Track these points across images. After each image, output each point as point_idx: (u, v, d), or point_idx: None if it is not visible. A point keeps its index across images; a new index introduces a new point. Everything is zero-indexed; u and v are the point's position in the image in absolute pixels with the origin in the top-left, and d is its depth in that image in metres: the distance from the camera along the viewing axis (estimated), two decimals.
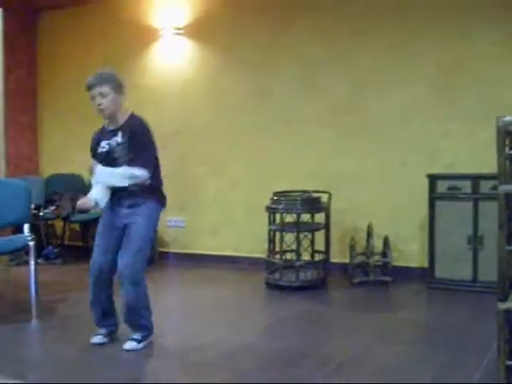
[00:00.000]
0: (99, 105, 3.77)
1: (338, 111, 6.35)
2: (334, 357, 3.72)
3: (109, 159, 3.86)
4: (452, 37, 5.86)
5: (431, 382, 3.33)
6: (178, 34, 7.08)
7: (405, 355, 3.79)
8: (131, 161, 3.79)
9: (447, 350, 3.84)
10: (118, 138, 3.84)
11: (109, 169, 3.84)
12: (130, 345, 3.86)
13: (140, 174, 3.79)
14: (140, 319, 3.92)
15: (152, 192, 3.94)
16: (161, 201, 4.05)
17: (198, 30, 7.01)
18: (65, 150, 7.84)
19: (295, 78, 6.55)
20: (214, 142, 7.02)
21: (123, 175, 3.79)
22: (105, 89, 3.76)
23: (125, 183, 3.80)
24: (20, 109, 7.88)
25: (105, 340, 3.99)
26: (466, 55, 5.82)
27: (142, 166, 3.80)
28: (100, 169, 3.84)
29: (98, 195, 3.89)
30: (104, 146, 3.89)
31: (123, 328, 4.04)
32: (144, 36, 7.29)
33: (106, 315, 4.03)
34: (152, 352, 3.85)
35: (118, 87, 3.83)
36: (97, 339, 3.98)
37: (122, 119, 3.90)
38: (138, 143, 3.82)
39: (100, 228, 4.01)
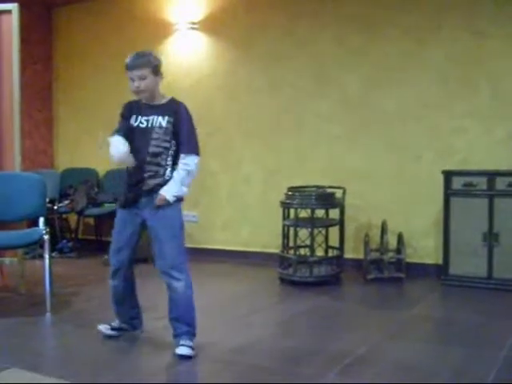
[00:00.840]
0: (137, 87, 3.68)
1: (351, 107, 6.33)
2: (348, 353, 3.70)
3: (143, 137, 3.71)
4: (465, 32, 5.82)
5: (446, 380, 3.30)
6: (193, 28, 7.09)
7: (419, 352, 3.77)
8: (179, 145, 3.73)
9: (462, 347, 3.82)
10: (162, 121, 3.72)
11: (171, 184, 3.71)
12: (183, 350, 3.65)
13: (191, 161, 3.76)
14: None
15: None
16: None
17: (213, 25, 7.01)
18: (79, 145, 7.87)
19: (309, 73, 6.53)
20: (228, 137, 7.01)
21: (183, 178, 3.74)
22: (144, 72, 3.66)
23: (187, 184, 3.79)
24: (35, 103, 7.92)
25: (112, 333, 3.97)
26: (479, 50, 5.78)
27: (192, 151, 3.77)
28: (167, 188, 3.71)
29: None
30: (142, 121, 3.74)
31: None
32: (159, 31, 7.30)
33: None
34: (161, 346, 3.84)
35: (157, 69, 3.74)
36: (102, 327, 4.01)
37: (161, 100, 3.80)
38: (185, 129, 3.76)
39: None
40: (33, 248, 6.01)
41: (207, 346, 3.86)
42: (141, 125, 3.73)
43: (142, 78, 3.66)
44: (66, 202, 7.32)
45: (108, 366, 3.53)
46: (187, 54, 7.20)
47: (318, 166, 6.48)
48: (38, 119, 7.99)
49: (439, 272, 5.68)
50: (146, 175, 3.69)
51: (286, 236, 5.88)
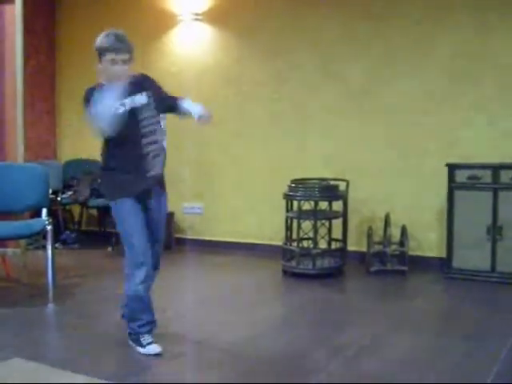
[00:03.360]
0: (120, 71, 3.49)
1: (355, 99, 6.31)
2: (351, 345, 3.71)
3: (131, 121, 3.49)
4: (471, 24, 5.78)
5: (448, 373, 3.30)
6: (197, 19, 7.06)
7: (421, 344, 3.76)
8: (168, 103, 3.68)
9: (464, 340, 3.82)
10: (140, 99, 3.55)
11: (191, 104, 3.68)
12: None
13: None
14: None
15: None
16: None
17: (217, 16, 6.99)
18: (83, 136, 7.85)
19: (313, 65, 6.51)
20: (232, 129, 7.00)
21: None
22: (127, 56, 3.51)
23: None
24: (39, 94, 7.91)
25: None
26: (484, 43, 5.74)
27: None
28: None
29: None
30: (118, 107, 3.44)
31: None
32: (163, 21, 7.28)
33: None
34: (166, 338, 3.84)
35: (133, 53, 3.60)
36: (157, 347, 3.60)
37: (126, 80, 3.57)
38: (161, 91, 3.69)
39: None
40: (36, 239, 6.00)
41: (210, 338, 3.87)
42: (119, 111, 3.44)
43: (125, 63, 3.51)
44: (70, 193, 7.32)
45: (110, 356, 3.54)
46: (191, 45, 7.18)
47: (321, 158, 6.46)
48: (41, 110, 7.98)
49: (442, 265, 5.67)
50: (149, 156, 3.55)
51: (289, 228, 5.87)
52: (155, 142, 3.59)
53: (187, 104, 3.68)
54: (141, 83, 3.62)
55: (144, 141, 3.53)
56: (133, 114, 3.51)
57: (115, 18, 7.58)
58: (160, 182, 3.71)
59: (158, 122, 3.64)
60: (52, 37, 8.13)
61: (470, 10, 5.77)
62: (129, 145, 3.52)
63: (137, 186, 3.55)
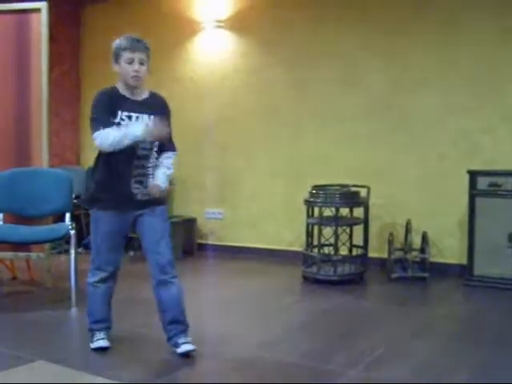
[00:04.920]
0: (137, 71, 3.42)
1: (376, 107, 6.32)
2: (371, 352, 3.71)
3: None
4: (492, 31, 5.78)
5: (467, 381, 3.29)
6: (219, 26, 7.11)
7: (441, 352, 3.76)
8: (164, 145, 3.59)
9: (486, 348, 3.81)
10: (147, 121, 3.46)
11: (162, 177, 3.59)
12: (188, 347, 3.59)
13: (175, 160, 3.69)
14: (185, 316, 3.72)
15: None
16: None
17: (239, 24, 7.04)
18: None
19: (334, 73, 6.53)
20: (253, 135, 7.03)
21: (168, 176, 3.65)
22: (145, 56, 3.45)
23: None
24: (63, 101, 8.00)
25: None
26: (506, 49, 5.73)
27: (175, 149, 3.70)
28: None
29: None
30: (123, 118, 3.43)
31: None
32: (185, 29, 7.34)
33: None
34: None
35: (150, 55, 3.53)
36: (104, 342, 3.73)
37: (144, 93, 3.56)
38: (170, 126, 3.58)
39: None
40: (59, 243, 6.08)
41: (232, 342, 3.90)
42: (122, 122, 3.43)
43: (142, 63, 3.45)
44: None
45: (132, 359, 3.57)
46: (213, 52, 7.23)
47: (342, 165, 6.47)
48: (65, 117, 8.07)
49: (463, 272, 5.65)
50: (133, 180, 3.52)
51: (310, 234, 5.89)
52: (143, 167, 3.53)
53: (164, 172, 3.62)
54: (156, 106, 3.56)
55: (135, 162, 3.50)
56: None
57: (138, 26, 7.62)
58: (150, 205, 3.60)
59: (153, 149, 3.54)
60: (76, 45, 8.23)
61: (491, 17, 5.76)
62: (120, 162, 3.49)
63: (117, 205, 3.56)
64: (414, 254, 5.79)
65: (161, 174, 3.60)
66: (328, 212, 5.75)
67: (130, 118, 3.44)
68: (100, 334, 3.75)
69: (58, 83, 7.81)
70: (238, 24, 7.05)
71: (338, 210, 5.62)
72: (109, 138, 3.36)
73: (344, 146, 6.49)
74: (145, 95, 3.56)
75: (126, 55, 3.43)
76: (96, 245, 3.68)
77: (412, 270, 5.70)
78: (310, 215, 5.85)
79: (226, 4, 7.09)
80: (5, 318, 4.46)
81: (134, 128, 3.38)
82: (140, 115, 3.47)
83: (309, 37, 6.66)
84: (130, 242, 7.08)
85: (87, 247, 7.16)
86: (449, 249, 6.01)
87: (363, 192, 5.90)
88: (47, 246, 5.23)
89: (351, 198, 5.75)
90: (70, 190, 5.04)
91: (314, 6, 6.62)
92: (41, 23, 5.26)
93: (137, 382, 3.22)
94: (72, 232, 4.74)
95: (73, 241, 4.73)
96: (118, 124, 3.41)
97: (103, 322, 3.80)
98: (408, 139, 6.17)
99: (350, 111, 6.45)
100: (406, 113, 6.17)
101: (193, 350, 3.57)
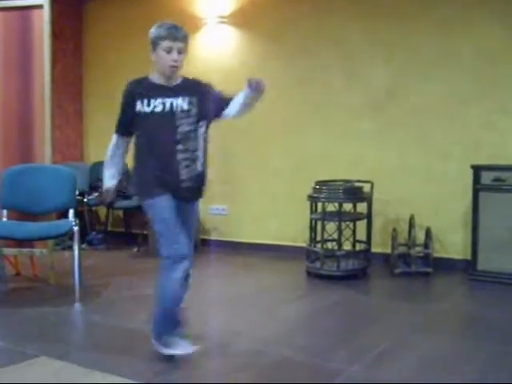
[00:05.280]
0: (175, 61, 3.34)
1: (380, 102, 6.30)
2: (374, 347, 3.71)
3: (166, 123, 3.38)
4: (496, 26, 5.75)
5: (470, 377, 3.29)
6: (222, 22, 7.10)
7: (445, 347, 3.76)
8: (222, 105, 3.62)
9: (490, 343, 3.80)
10: (182, 104, 3.40)
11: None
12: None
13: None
14: None
15: None
16: None
17: (242, 19, 7.02)
18: (109, 138, 7.88)
19: (338, 68, 6.51)
20: (257, 131, 7.03)
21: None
22: (184, 46, 3.36)
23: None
24: (66, 97, 8.01)
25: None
26: (508, 44, 5.71)
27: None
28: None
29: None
30: (158, 105, 3.39)
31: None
32: (188, 24, 7.24)
33: None
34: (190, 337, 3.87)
35: (188, 44, 3.45)
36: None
37: (178, 79, 3.48)
38: (212, 97, 3.55)
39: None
40: (63, 239, 6.09)
41: (234, 338, 3.90)
42: (155, 109, 3.38)
43: (181, 53, 3.36)
44: (96, 194, 7.40)
45: (136, 356, 3.57)
46: (216, 48, 7.22)
47: (346, 160, 6.47)
48: (68, 112, 8.08)
49: (467, 267, 5.65)
50: (180, 166, 3.39)
51: (313, 230, 5.89)
52: (187, 151, 3.41)
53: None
54: (189, 88, 3.47)
55: (177, 147, 3.38)
56: (170, 117, 3.38)
57: (141, 21, 7.63)
58: (196, 194, 3.56)
59: (195, 131, 3.44)
60: (79, 40, 8.23)
61: (495, 12, 5.74)
62: (162, 148, 3.39)
63: (171, 189, 3.41)
64: (418, 249, 5.78)
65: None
66: (331, 207, 5.74)
67: (163, 103, 3.37)
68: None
69: (61, 78, 7.81)
70: (241, 19, 7.03)
71: (341, 205, 5.62)
72: (108, 150, 3.70)
73: (347, 140, 6.48)
74: (179, 81, 3.48)
75: (165, 44, 3.33)
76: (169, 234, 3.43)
77: (415, 266, 5.69)
78: (313, 211, 5.85)
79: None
80: (8, 313, 4.48)
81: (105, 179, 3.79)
82: (174, 100, 3.39)
83: (312, 30, 6.64)
84: (134, 239, 7.10)
85: (91, 243, 7.20)
86: (452, 244, 6.00)
87: (367, 187, 5.90)
88: (50, 242, 5.23)
89: (354, 193, 5.74)
90: (73, 187, 5.04)
91: (318, 0, 6.60)
92: (43, 19, 5.26)
93: (139, 377, 3.22)
94: (75, 228, 4.75)
95: (76, 237, 4.74)
96: (152, 112, 3.37)
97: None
98: (412, 134, 6.15)
99: (354, 106, 6.43)
100: (410, 108, 6.15)
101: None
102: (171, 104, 3.39)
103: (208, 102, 3.51)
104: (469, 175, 5.52)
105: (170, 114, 3.38)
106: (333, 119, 6.58)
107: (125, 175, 3.81)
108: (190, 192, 3.48)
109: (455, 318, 4.49)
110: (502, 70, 5.76)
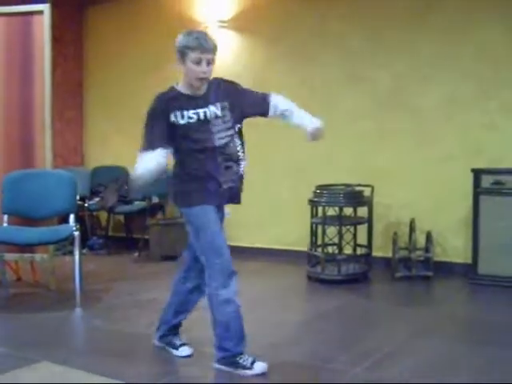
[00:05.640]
0: (204, 72, 3.29)
1: (380, 105, 6.30)
2: (375, 351, 3.71)
3: (204, 131, 3.33)
4: (494, 28, 5.76)
5: (471, 380, 3.29)
6: (222, 27, 7.10)
7: (446, 351, 3.75)
8: (259, 102, 3.59)
9: (491, 347, 3.80)
10: (216, 111, 3.36)
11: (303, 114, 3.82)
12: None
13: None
14: None
15: None
16: None
17: (242, 23, 7.02)
18: (110, 143, 7.95)
19: (339, 70, 6.51)
20: (257, 135, 7.01)
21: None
22: (213, 57, 3.33)
23: None
24: (67, 102, 8.00)
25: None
26: (509, 47, 5.71)
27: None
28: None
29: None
30: (192, 116, 3.31)
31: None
32: (188, 29, 7.32)
33: None
34: (192, 341, 3.87)
35: (216, 54, 3.40)
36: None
37: (204, 87, 3.41)
38: (244, 92, 3.52)
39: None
40: (63, 244, 6.08)
41: None
42: (190, 120, 3.32)
43: (210, 63, 3.32)
44: (97, 199, 7.39)
45: (137, 360, 3.57)
46: (218, 53, 7.21)
47: (346, 164, 6.46)
48: (69, 117, 8.08)
49: (468, 271, 5.64)
50: (221, 168, 3.38)
51: (314, 234, 5.88)
52: (227, 154, 3.39)
53: (296, 114, 3.80)
54: (218, 93, 3.43)
55: (217, 151, 3.35)
56: (206, 125, 3.33)
57: (141, 26, 7.67)
58: (234, 196, 3.63)
59: (232, 135, 3.42)
60: (80, 45, 8.23)
61: (495, 14, 5.74)
62: (202, 155, 3.33)
63: (214, 196, 3.44)
64: (419, 253, 5.78)
65: (303, 114, 3.80)
66: (332, 211, 5.74)
67: (197, 114, 3.32)
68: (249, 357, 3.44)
69: (62, 83, 7.81)
70: (241, 23, 7.04)
71: (341, 209, 5.62)
72: (137, 168, 3.44)
73: (347, 144, 6.48)
74: (206, 87, 3.42)
75: (194, 55, 3.27)
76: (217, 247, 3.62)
77: (416, 269, 5.69)
78: (314, 215, 5.85)
79: (229, 4, 7.08)
80: (9, 319, 4.48)
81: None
82: (206, 109, 3.34)
83: (313, 33, 6.63)
84: (135, 244, 7.10)
85: (91, 248, 7.20)
86: (453, 248, 5.99)
87: (367, 191, 5.90)
88: (51, 247, 5.23)
89: (355, 197, 5.75)
90: (74, 192, 5.05)
91: (319, 3, 6.61)
92: (44, 25, 5.27)
93: (140, 382, 3.22)
94: (76, 233, 4.75)
95: (77, 242, 4.75)
96: (186, 124, 3.31)
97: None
98: (412, 138, 6.15)
99: (355, 110, 6.43)
100: (411, 111, 6.15)
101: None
102: (205, 113, 3.34)
103: (241, 102, 3.49)
104: (469, 178, 5.52)
105: (206, 123, 3.33)
106: (334, 122, 6.55)
107: (125, 179, 3.76)
108: (230, 192, 3.53)
109: (456, 322, 4.48)
110: (503, 72, 5.76)
